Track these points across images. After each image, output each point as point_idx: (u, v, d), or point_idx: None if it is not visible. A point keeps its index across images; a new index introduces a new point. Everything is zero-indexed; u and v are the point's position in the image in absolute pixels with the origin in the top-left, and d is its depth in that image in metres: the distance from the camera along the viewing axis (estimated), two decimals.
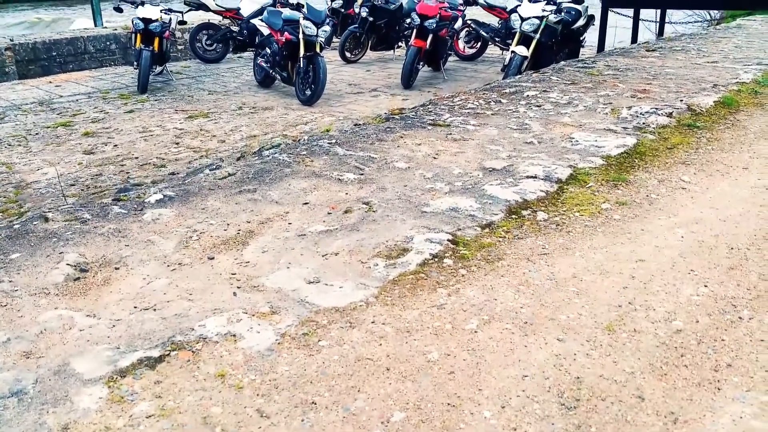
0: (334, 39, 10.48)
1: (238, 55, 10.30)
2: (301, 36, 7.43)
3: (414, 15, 8.21)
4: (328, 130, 3.31)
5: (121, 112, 7.47)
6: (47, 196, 5.12)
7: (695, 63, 4.33)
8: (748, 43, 5.25)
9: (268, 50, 8.12)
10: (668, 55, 4.68)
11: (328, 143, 2.90)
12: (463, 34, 9.70)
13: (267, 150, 2.88)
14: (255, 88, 8.62)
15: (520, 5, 8.09)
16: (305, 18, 7.41)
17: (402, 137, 3.00)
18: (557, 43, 8.03)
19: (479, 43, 9.89)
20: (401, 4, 9.62)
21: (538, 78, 3.98)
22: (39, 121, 7.19)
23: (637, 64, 4.39)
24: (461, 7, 8.95)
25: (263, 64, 8.25)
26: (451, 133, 3.03)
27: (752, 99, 3.50)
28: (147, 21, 7.87)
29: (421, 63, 8.51)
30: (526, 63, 7.71)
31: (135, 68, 8.24)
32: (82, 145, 6.34)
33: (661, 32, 9.05)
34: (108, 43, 10.95)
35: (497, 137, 2.93)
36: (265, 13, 8.30)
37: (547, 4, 7.94)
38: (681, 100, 3.38)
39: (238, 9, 9.69)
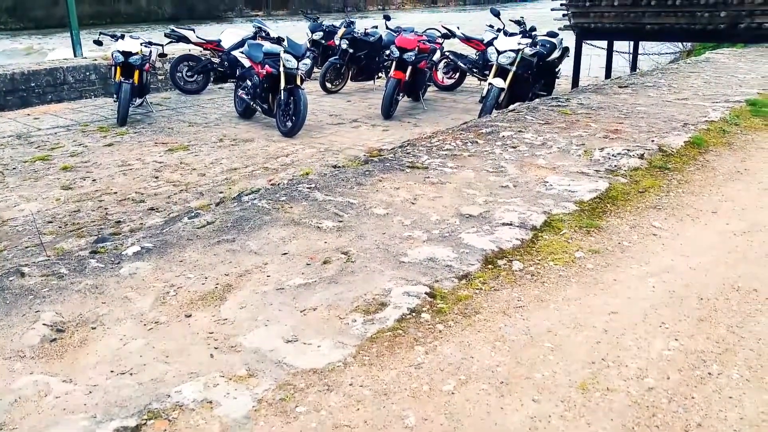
0: (315, 69, 10.58)
1: (218, 86, 10.34)
2: (281, 69, 7.50)
3: (393, 48, 8.34)
4: (307, 173, 3.34)
5: (100, 145, 7.44)
6: (24, 233, 5.07)
7: (666, 100, 4.44)
8: (716, 78, 5.40)
9: (249, 82, 8.18)
10: (640, 92, 4.79)
11: (308, 188, 2.93)
12: (441, 65, 9.86)
13: (246, 195, 2.90)
14: (236, 120, 8.65)
15: (496, 38, 8.25)
16: (286, 51, 7.49)
17: (381, 181, 3.03)
18: (533, 75, 8.19)
19: (458, 74, 10.05)
20: (381, 36, 9.77)
21: (513, 117, 4.06)
22: (16, 155, 7.13)
23: (610, 101, 4.49)
24: (439, 40, 9.11)
25: (244, 96, 8.30)
26: (428, 177, 3.07)
27: (721, 138, 3.60)
28: (127, 54, 7.89)
29: (401, 94, 8.62)
30: (503, 94, 7.86)
31: (114, 101, 8.24)
32: (60, 180, 6.30)
33: (634, 63, 9.27)
34: (87, 73, 10.94)
35: (474, 181, 2.98)
36: (246, 46, 8.38)
37: (522, 37, 8.12)
38: (652, 141, 3.46)
39: (219, 41, 9.77)
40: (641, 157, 3.20)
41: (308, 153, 7.18)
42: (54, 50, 17.71)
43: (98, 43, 8.25)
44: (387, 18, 10.06)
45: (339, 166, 3.35)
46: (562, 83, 9.38)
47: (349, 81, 10.13)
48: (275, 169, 6.67)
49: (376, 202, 2.74)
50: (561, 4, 8.37)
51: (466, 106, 9.32)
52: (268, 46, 7.79)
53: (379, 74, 10.15)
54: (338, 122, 8.62)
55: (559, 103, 4.46)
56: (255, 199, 2.81)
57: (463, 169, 3.16)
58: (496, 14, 9.03)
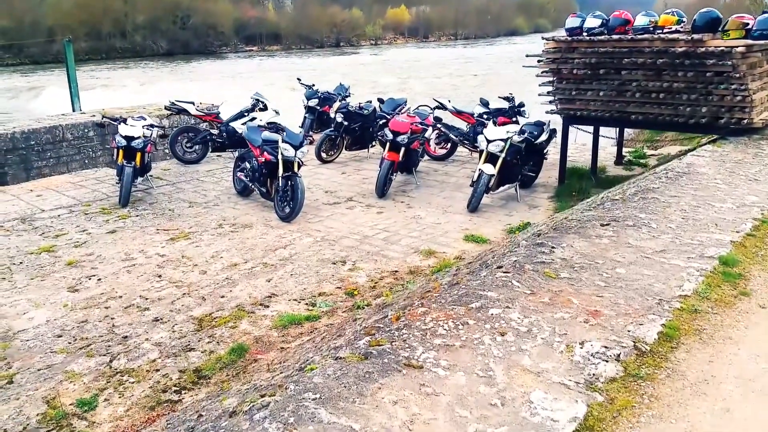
0: (311, 133, 10.86)
1: (216, 154, 10.60)
2: (280, 157, 7.79)
3: (387, 131, 8.65)
4: (312, 369, 3.63)
5: (103, 232, 7.67)
6: (35, 350, 5.30)
7: (645, 255, 4.76)
8: (694, 208, 5.72)
9: (248, 165, 8.45)
10: (621, 235, 5.11)
11: (313, 401, 3.20)
12: (433, 136, 10.17)
13: (257, 411, 3.17)
14: (234, 197, 8.90)
15: (485, 126, 8.56)
16: (284, 141, 7.78)
17: (380, 389, 3.30)
18: (522, 158, 8.54)
19: (449, 144, 10.38)
20: (374, 108, 10.09)
21: (501, 282, 4.36)
22: (22, 244, 7.35)
23: (592, 253, 4.80)
24: (430, 116, 9.42)
25: (243, 177, 8.57)
26: (424, 383, 3.35)
27: (692, 323, 3.91)
28: (129, 138, 8.13)
29: (395, 173, 8.93)
30: (493, 180, 8.21)
31: (116, 183, 8.47)
32: (66, 279, 6.52)
33: (620, 147, 9.65)
34: (86, 130, 11.14)
35: (465, 393, 3.26)
36: (246, 129, 8.65)
37: (510, 111, 8.45)
38: (629, 331, 3.77)
39: (218, 113, 10.04)
40: (617, 359, 3.51)
41: (306, 243, 7.45)
42: (46, 88, 17.91)
43: (100, 126, 8.49)
44: (381, 101, 10.39)
45: (341, 357, 3.63)
46: (550, 159, 9.70)
47: (343, 150, 10.43)
48: (274, 266, 6.94)
49: (377, 427, 3.02)
50: (548, 92, 8.70)
51: (458, 180, 9.63)
52: (267, 134, 8.06)
53: (373, 143, 10.46)
54: (334, 201, 8.89)
55: (544, 256, 4.77)
56: (266, 418, 3.10)
57: (456, 371, 3.44)
58: (485, 104, 9.39)
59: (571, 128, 9.23)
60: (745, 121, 7.77)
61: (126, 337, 5.56)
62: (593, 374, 3.45)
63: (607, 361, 3.51)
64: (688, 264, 4.59)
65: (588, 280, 4.39)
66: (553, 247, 4.92)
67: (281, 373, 4.40)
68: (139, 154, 8.18)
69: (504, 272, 4.54)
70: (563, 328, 3.84)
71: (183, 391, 4.86)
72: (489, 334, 3.79)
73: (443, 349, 3.68)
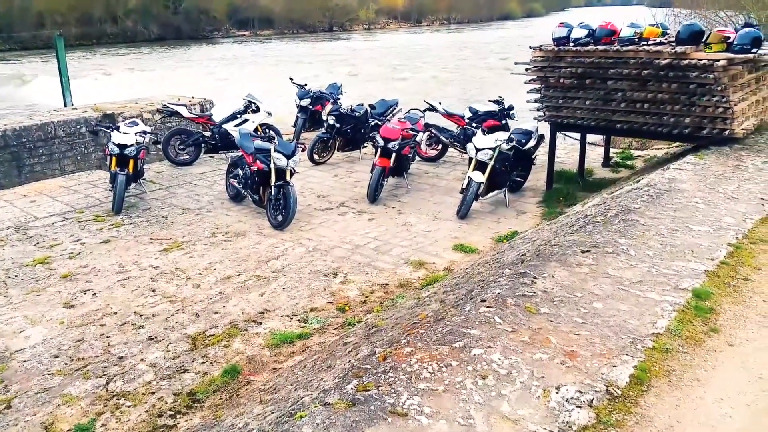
0: (303, 133, 10.92)
1: (209, 156, 10.64)
2: (272, 166, 7.87)
3: (378, 137, 8.72)
4: (301, 416, 3.80)
5: (97, 241, 7.76)
6: (32, 372, 5.41)
7: (622, 287, 4.90)
8: (673, 232, 5.86)
9: (241, 172, 8.52)
10: (600, 262, 5.23)
11: None
12: (424, 137, 10.24)
13: None
14: (227, 203, 8.98)
15: (474, 134, 8.66)
16: (276, 150, 7.85)
17: None
18: (510, 165, 8.65)
19: (440, 146, 10.46)
20: (366, 110, 10.14)
21: (484, 318, 4.50)
22: (16, 255, 7.43)
23: (572, 284, 4.93)
24: (421, 120, 9.49)
25: (236, 184, 8.65)
26: None
27: (663, 363, 4.06)
28: (122, 146, 8.18)
29: (386, 179, 9.02)
30: (482, 187, 8.33)
31: (110, 189, 8.54)
32: (61, 294, 6.61)
33: (606, 153, 9.77)
34: (78, 126, 11.13)
35: None
36: (239, 136, 8.69)
37: (500, 112, 8.54)
38: (602, 374, 3.94)
39: (210, 115, 10.06)
40: (590, 404, 3.68)
41: (298, 254, 7.55)
42: (37, 77, 17.77)
43: (94, 133, 8.53)
44: (372, 107, 10.41)
45: (329, 403, 3.79)
46: (538, 161, 9.80)
47: (336, 152, 10.50)
48: (266, 278, 7.05)
49: None
50: (535, 100, 8.78)
51: (449, 184, 9.72)
52: (259, 142, 8.12)
53: (365, 144, 10.52)
54: (326, 207, 8.98)
55: (526, 291, 4.91)
56: None
57: (438, 419, 3.60)
58: (474, 112, 9.47)
59: (558, 132, 9.33)
60: (727, 131, 7.92)
61: (121, 357, 5.65)
62: (567, 422, 3.62)
63: (580, 407, 3.68)
64: (663, 297, 4.74)
65: (566, 315, 4.55)
66: (534, 278, 5.06)
67: (272, 412, 4.59)
68: (132, 161, 8.24)
69: (487, 307, 4.69)
70: (541, 370, 4.00)
71: (178, 416, 4.98)
72: (471, 377, 3.94)
73: (427, 395, 3.84)
